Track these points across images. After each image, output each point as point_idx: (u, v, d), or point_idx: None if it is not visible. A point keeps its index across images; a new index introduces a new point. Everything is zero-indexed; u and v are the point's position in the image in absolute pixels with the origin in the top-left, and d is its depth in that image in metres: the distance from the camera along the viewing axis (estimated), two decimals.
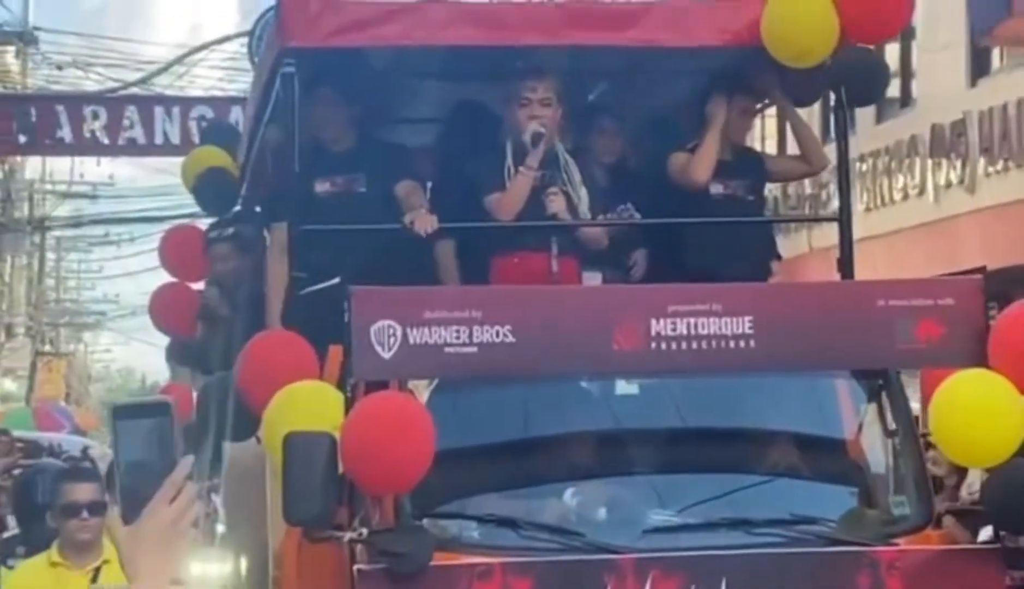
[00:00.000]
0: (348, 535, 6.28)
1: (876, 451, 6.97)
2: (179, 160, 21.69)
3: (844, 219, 7.77)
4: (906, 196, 19.25)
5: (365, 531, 6.28)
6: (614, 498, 6.76)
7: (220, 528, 8.79)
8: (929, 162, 18.91)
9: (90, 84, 26.01)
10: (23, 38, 28.27)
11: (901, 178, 19.28)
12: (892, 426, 6.81)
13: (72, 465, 7.43)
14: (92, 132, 23.11)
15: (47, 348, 47.67)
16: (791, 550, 6.51)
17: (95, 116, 23.03)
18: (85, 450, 20.28)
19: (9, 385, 43.68)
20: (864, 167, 19.43)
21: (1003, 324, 6.58)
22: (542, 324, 6.51)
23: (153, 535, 2.67)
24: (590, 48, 7.64)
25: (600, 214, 7.80)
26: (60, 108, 22.98)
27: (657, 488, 6.83)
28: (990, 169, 17.98)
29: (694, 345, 6.48)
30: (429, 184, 8.24)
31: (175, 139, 22.40)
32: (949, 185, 18.57)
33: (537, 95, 7.57)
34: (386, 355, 6.39)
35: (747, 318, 6.50)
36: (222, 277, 9.28)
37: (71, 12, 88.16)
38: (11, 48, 30.47)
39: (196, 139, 18.00)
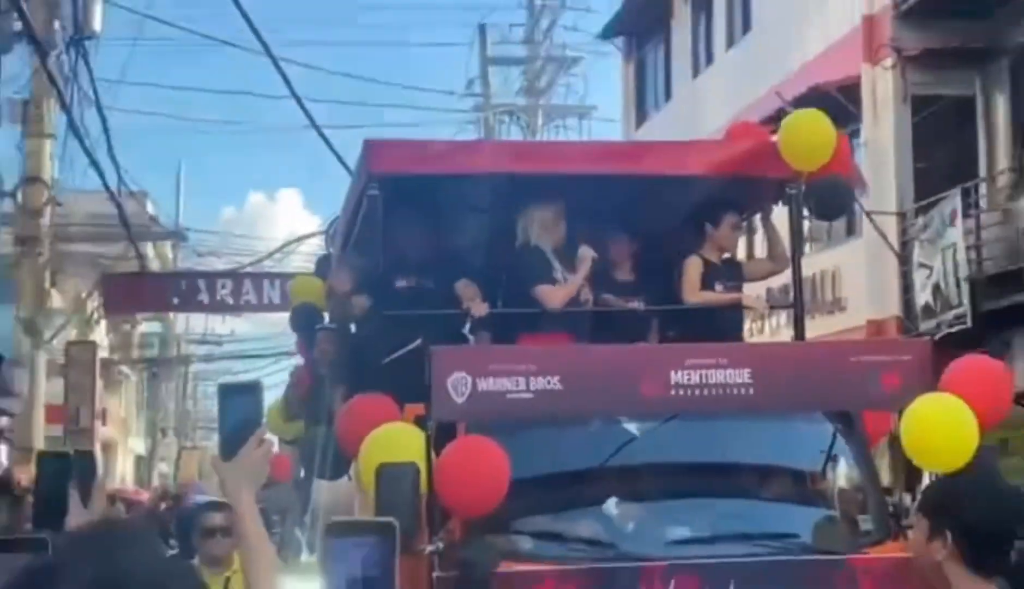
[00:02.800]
0: (429, 548, 4.87)
1: (846, 479, 5.51)
2: (282, 315, 20.75)
3: (798, 308, 6.54)
4: None
5: (442, 544, 4.88)
6: (642, 516, 5.28)
7: (304, 556, 7.34)
8: None
9: (220, 264, 25.09)
10: (176, 235, 27.49)
11: None
12: (857, 459, 5.43)
13: (209, 501, 6.06)
14: (222, 297, 22.41)
15: (188, 444, 46.06)
16: (784, 558, 5.08)
17: (223, 286, 22.34)
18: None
19: (164, 468, 42.00)
20: None
21: (948, 377, 5.15)
22: (585, 375, 5.08)
23: (246, 468, 2.42)
24: (610, 177, 6.24)
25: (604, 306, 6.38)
26: (201, 282, 22.09)
27: (677, 509, 5.36)
28: None
29: (705, 392, 5.07)
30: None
31: (276, 300, 21.86)
32: None
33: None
34: (459, 400, 4.96)
35: (747, 370, 5.09)
36: (325, 355, 7.85)
37: (211, 216, 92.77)
38: (168, 242, 29.92)
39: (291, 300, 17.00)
